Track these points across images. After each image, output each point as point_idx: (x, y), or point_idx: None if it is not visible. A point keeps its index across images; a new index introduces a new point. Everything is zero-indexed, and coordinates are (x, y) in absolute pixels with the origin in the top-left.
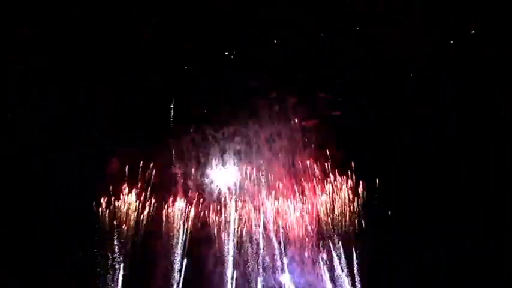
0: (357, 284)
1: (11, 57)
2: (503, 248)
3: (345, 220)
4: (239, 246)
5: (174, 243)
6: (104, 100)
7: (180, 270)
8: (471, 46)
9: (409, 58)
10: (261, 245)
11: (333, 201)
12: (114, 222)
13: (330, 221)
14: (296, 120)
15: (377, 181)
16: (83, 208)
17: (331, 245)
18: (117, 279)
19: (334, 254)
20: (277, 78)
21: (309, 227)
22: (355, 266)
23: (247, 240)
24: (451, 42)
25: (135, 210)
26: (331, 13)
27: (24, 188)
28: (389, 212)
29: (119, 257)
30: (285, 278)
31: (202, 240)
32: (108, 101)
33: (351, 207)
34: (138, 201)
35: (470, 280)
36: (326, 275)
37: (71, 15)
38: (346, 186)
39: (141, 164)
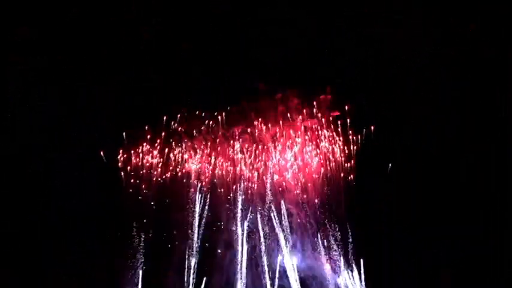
0: (351, 261)
1: (11, 57)
2: (503, 248)
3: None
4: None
5: (190, 227)
6: (104, 100)
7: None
8: (471, 46)
9: (409, 58)
10: (267, 231)
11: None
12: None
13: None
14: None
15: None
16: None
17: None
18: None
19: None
20: (277, 78)
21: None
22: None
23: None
24: (451, 42)
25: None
26: (331, 13)
27: (24, 188)
28: (389, 165)
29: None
30: (288, 261)
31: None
32: (108, 101)
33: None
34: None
35: (470, 280)
36: (324, 259)
37: (71, 15)
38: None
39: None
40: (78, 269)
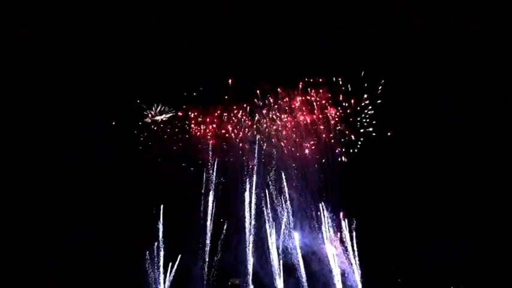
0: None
1: (11, 57)
2: (503, 248)
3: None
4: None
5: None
6: (104, 100)
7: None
8: (471, 46)
9: (409, 58)
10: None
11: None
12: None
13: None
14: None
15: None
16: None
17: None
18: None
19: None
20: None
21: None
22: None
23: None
24: (451, 42)
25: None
26: (331, 13)
27: (24, 188)
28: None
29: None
30: (290, 241)
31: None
32: (108, 101)
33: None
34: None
35: (470, 280)
36: (321, 237)
37: (71, 15)
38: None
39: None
40: (78, 269)
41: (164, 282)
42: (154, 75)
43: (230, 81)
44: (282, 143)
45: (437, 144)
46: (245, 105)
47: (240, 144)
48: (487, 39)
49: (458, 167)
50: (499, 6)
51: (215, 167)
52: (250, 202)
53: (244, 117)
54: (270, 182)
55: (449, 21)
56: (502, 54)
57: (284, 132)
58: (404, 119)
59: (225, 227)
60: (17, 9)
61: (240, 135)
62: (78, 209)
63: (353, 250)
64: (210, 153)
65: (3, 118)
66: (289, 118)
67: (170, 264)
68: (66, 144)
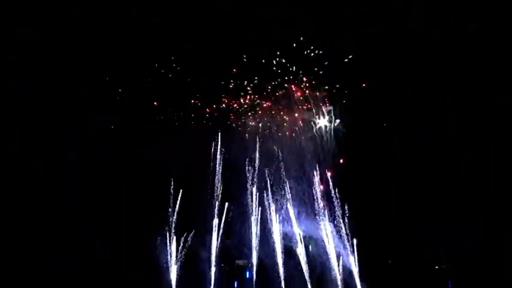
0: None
1: (11, 57)
2: (503, 248)
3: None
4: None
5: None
6: (104, 100)
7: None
8: (471, 46)
9: (409, 58)
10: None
11: None
12: None
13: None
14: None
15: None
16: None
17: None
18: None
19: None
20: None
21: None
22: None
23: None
24: (451, 42)
25: None
26: (331, 13)
27: (24, 188)
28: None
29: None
30: (290, 227)
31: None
32: (108, 101)
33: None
34: None
35: (470, 280)
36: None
37: (71, 15)
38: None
39: None
40: (78, 269)
41: (176, 263)
42: (154, 75)
43: (234, 70)
44: (280, 135)
45: (437, 144)
46: (248, 97)
47: (246, 135)
48: (487, 39)
49: (458, 167)
50: (499, 6)
51: (218, 156)
52: (252, 191)
53: (246, 109)
54: (270, 172)
55: (449, 21)
56: (502, 54)
57: (285, 122)
58: (404, 119)
59: (230, 214)
60: (17, 9)
61: (243, 126)
62: (78, 209)
63: (347, 235)
64: (219, 145)
65: (3, 118)
66: (286, 111)
67: (181, 245)
68: (66, 144)
